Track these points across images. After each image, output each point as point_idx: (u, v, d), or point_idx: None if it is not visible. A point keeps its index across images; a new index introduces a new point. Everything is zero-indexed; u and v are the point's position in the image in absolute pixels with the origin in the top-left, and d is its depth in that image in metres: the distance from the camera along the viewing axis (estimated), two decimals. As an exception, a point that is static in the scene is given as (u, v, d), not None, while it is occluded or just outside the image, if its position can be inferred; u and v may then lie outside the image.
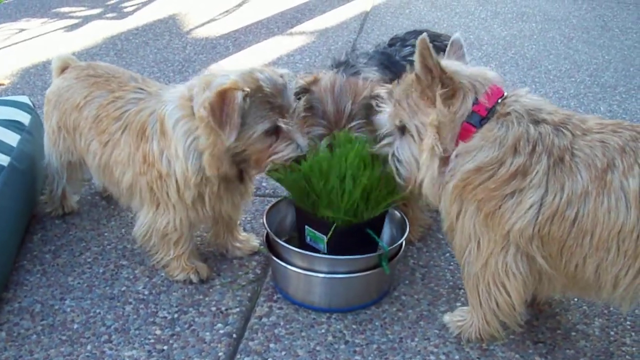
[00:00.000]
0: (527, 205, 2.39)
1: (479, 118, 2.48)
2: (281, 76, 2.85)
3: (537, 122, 2.44)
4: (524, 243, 2.45)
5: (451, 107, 2.50)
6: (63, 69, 3.46)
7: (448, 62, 2.58)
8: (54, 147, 3.46)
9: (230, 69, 2.87)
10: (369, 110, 3.06)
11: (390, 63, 3.42)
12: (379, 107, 2.82)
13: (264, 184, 3.98)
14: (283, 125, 2.79)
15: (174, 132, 2.85)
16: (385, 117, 2.76)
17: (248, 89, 2.68)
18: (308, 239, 2.99)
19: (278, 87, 2.79)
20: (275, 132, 2.80)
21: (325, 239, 2.90)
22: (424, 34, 2.44)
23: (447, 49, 2.77)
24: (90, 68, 3.38)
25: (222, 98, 2.65)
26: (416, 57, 2.47)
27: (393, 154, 2.73)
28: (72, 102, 3.27)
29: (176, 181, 2.90)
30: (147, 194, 3.02)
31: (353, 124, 3.04)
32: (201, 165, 2.86)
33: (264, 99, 2.75)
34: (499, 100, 2.51)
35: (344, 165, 2.83)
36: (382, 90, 3.06)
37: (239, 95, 2.65)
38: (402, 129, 2.66)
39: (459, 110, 2.51)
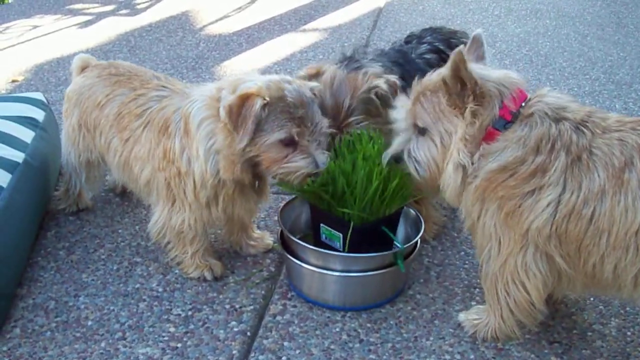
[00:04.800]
0: (545, 203, 2.38)
1: (504, 122, 2.47)
2: (311, 90, 2.85)
3: (557, 120, 2.43)
4: (542, 242, 2.44)
5: (479, 118, 2.48)
6: (83, 69, 3.46)
7: (474, 67, 2.52)
8: (74, 146, 3.46)
9: (261, 76, 2.86)
10: (368, 104, 3.05)
11: (405, 61, 3.39)
12: (396, 101, 2.77)
13: (277, 181, 3.97)
14: (298, 137, 2.74)
15: (197, 132, 2.83)
16: (401, 112, 2.72)
17: (268, 99, 2.67)
18: (323, 237, 2.98)
19: (303, 99, 2.76)
20: (292, 143, 2.75)
21: (341, 236, 2.89)
22: (461, 47, 2.42)
23: (468, 45, 2.72)
24: (112, 67, 3.38)
25: (242, 102, 2.65)
26: (449, 67, 2.44)
27: (410, 154, 2.69)
28: (94, 100, 3.27)
29: (194, 180, 2.89)
30: (164, 190, 3.01)
31: (352, 119, 3.02)
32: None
33: (285, 109, 2.71)
34: (523, 104, 2.49)
35: (358, 164, 2.82)
36: (380, 82, 3.05)
37: (258, 102, 2.64)
38: (422, 129, 2.63)
39: (486, 119, 2.49)
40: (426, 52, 3.48)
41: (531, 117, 2.44)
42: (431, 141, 2.60)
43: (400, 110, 2.72)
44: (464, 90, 2.46)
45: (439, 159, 2.60)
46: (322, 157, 2.79)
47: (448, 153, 2.55)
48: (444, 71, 2.50)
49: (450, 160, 2.54)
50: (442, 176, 2.59)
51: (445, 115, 2.54)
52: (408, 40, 3.69)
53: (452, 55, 2.41)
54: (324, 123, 2.84)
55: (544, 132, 2.40)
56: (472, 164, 2.50)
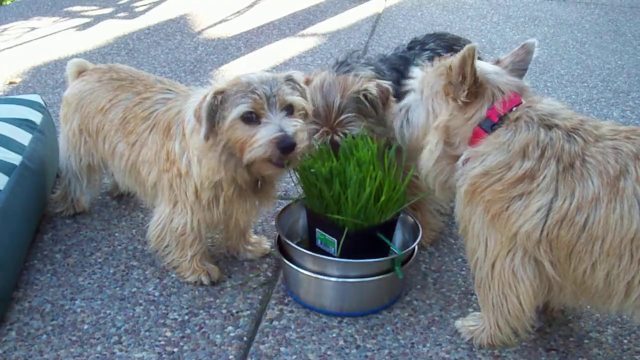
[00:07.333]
0: (535, 208, 2.40)
1: (491, 124, 2.54)
2: (282, 75, 2.83)
3: (549, 127, 2.47)
4: (531, 246, 2.45)
5: (466, 114, 2.57)
6: (79, 73, 3.46)
7: (485, 67, 2.65)
8: (74, 150, 3.46)
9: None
10: (359, 104, 3.06)
11: (406, 68, 3.40)
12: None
13: (275, 186, 3.96)
14: (256, 109, 2.69)
15: (191, 137, 2.86)
16: (418, 76, 2.83)
17: (222, 88, 2.72)
18: (319, 241, 2.98)
19: (262, 78, 2.75)
20: (254, 119, 2.70)
21: (335, 242, 2.88)
22: (475, 44, 2.50)
23: (516, 49, 2.83)
24: (113, 71, 3.37)
25: (202, 101, 2.72)
26: (458, 58, 2.52)
27: (407, 110, 2.82)
28: (96, 105, 3.26)
29: (194, 182, 2.90)
30: (167, 191, 3.02)
31: (343, 117, 3.04)
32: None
33: (239, 90, 2.71)
34: (514, 108, 2.55)
35: (351, 171, 2.82)
36: (371, 85, 3.09)
37: (210, 94, 2.69)
38: (424, 97, 2.74)
39: (473, 116, 2.57)
40: (429, 59, 3.49)
41: (517, 122, 2.50)
42: (424, 111, 2.73)
43: (418, 73, 2.85)
44: (462, 83, 2.54)
45: (421, 131, 2.74)
46: (288, 124, 2.71)
47: (428, 133, 2.68)
48: (453, 59, 2.57)
49: (427, 145, 2.65)
50: (420, 155, 2.72)
51: (437, 96, 2.66)
52: (411, 46, 3.71)
53: (465, 48, 2.48)
54: (284, 91, 2.76)
55: (531, 138, 2.44)
56: (459, 167, 2.60)
